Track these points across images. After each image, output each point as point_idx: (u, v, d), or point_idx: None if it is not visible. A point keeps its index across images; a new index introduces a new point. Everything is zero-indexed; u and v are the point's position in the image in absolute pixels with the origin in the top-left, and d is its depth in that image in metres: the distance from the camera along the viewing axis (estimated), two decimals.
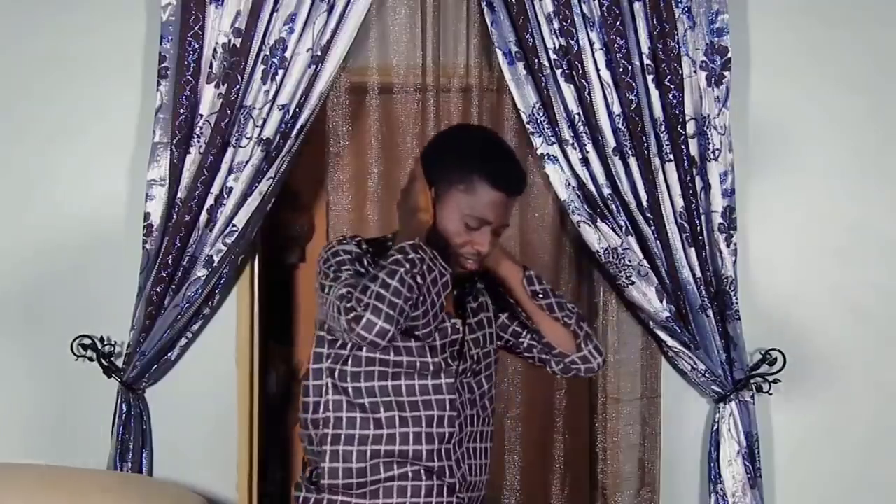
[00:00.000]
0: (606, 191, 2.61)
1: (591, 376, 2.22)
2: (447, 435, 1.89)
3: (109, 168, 2.67)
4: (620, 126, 2.59)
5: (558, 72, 2.58)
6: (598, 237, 2.59)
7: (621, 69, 2.58)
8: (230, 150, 2.55)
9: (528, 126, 2.61)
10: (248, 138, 2.55)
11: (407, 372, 1.88)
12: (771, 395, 2.71)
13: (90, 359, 2.61)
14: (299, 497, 1.94)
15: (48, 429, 2.68)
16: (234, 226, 2.55)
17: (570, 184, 2.61)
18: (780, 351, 2.68)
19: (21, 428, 2.68)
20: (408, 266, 1.77)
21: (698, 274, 2.62)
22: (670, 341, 2.64)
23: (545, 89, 2.59)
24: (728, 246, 2.62)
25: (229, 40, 2.55)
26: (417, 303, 1.80)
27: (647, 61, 2.59)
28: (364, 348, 1.86)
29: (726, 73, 2.62)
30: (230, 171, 2.55)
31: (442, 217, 1.87)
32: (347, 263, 1.87)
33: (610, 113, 2.59)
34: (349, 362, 1.89)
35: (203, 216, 2.55)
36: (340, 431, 1.88)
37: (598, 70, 2.58)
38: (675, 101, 2.60)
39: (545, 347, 2.08)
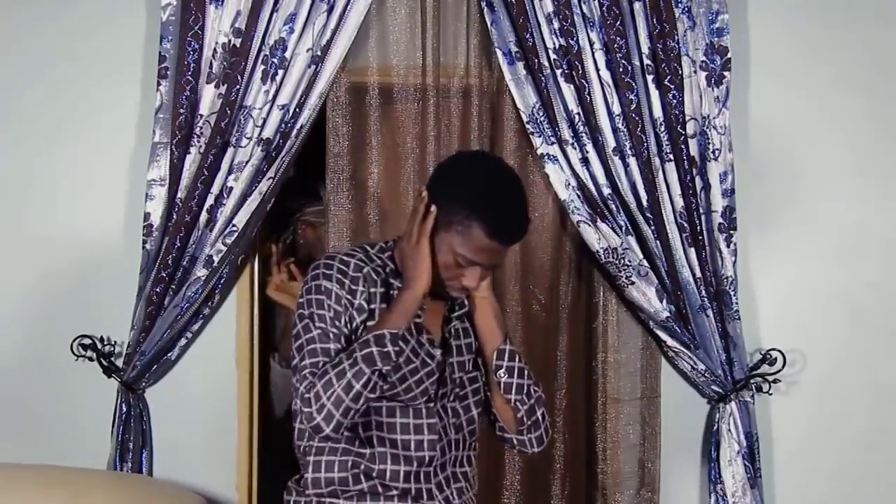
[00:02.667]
0: (606, 191, 2.61)
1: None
2: (427, 458, 1.88)
3: (109, 168, 2.67)
4: (620, 126, 2.59)
5: (558, 72, 2.58)
6: (598, 237, 2.59)
7: (621, 69, 2.58)
8: (230, 150, 2.55)
9: (528, 126, 2.61)
10: (248, 138, 2.55)
11: (388, 396, 1.85)
12: (771, 395, 2.71)
13: (90, 359, 2.61)
14: (289, 501, 1.94)
15: (48, 429, 2.68)
16: (234, 226, 2.55)
17: (570, 184, 2.61)
18: (780, 351, 2.68)
19: (21, 428, 2.68)
20: (380, 365, 1.73)
21: (698, 274, 2.62)
22: (670, 341, 2.64)
23: (545, 89, 2.59)
24: (728, 246, 2.63)
25: (229, 40, 2.55)
26: (392, 378, 1.80)
27: (647, 61, 2.59)
28: None
29: (726, 73, 2.62)
30: (230, 171, 2.55)
31: (436, 246, 1.82)
32: (325, 306, 1.80)
33: (610, 113, 2.59)
34: None
35: (203, 216, 2.55)
36: (325, 444, 1.88)
37: (598, 70, 2.58)
38: (674, 101, 2.60)
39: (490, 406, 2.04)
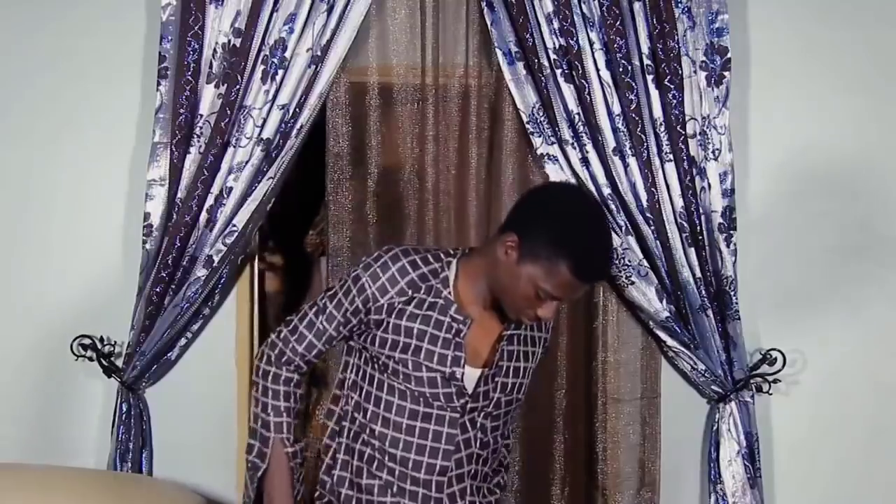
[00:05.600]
0: (606, 191, 2.61)
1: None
2: (438, 467, 1.91)
3: (109, 168, 2.67)
4: (620, 126, 2.59)
5: (558, 72, 2.58)
6: None
7: (621, 69, 2.58)
8: (230, 150, 2.55)
9: (528, 126, 2.61)
10: (248, 138, 2.55)
11: (416, 398, 1.90)
12: (771, 395, 2.71)
13: (90, 359, 2.61)
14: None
15: (48, 429, 2.68)
16: (234, 226, 2.55)
17: None
18: (780, 351, 2.68)
19: (21, 428, 2.68)
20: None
21: (698, 274, 2.62)
22: (670, 341, 2.64)
23: (545, 89, 2.59)
24: (728, 246, 2.62)
25: (229, 40, 2.55)
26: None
27: (647, 61, 2.59)
28: (384, 373, 1.93)
29: (726, 73, 2.62)
30: (230, 171, 2.55)
31: (517, 275, 1.82)
32: (350, 296, 1.90)
33: (610, 113, 2.59)
34: (369, 376, 1.96)
35: (203, 216, 2.55)
36: (358, 416, 1.97)
37: (597, 70, 2.58)
38: (674, 101, 2.60)
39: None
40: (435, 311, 1.89)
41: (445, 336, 1.89)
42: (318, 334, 1.94)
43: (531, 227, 1.82)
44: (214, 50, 2.55)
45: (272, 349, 1.98)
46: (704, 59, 2.62)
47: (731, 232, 2.63)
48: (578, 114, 2.59)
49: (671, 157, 2.60)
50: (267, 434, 1.97)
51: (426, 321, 1.88)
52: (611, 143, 2.59)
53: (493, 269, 1.87)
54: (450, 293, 1.89)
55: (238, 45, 2.55)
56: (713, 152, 2.62)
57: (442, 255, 1.93)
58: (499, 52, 2.61)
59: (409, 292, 1.88)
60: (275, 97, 2.55)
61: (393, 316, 1.88)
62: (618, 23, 2.58)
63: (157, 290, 2.54)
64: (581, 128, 2.59)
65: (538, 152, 2.61)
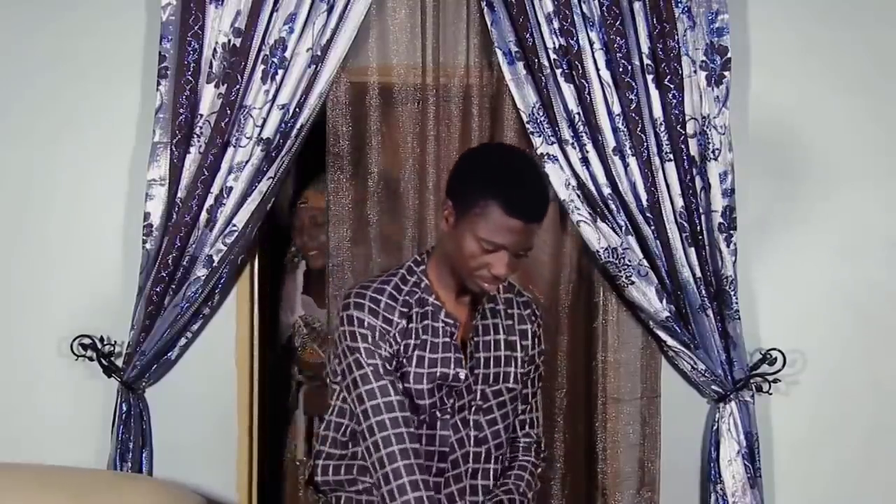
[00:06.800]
0: (606, 191, 2.61)
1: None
2: (435, 469, 1.91)
3: (109, 168, 2.67)
4: (620, 126, 2.59)
5: (558, 72, 2.58)
6: (598, 237, 2.59)
7: (621, 69, 2.58)
8: (230, 150, 2.55)
9: (528, 126, 2.61)
10: (248, 138, 2.55)
11: (406, 404, 1.89)
12: (771, 394, 2.71)
13: (90, 359, 2.61)
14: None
15: (48, 429, 2.68)
16: (234, 226, 2.55)
17: (570, 184, 2.61)
18: (780, 351, 2.68)
19: (21, 428, 2.68)
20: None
21: (698, 274, 2.62)
22: (670, 341, 2.64)
23: (545, 89, 2.59)
24: (728, 246, 2.63)
25: (229, 40, 2.55)
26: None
27: (646, 61, 2.59)
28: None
29: (726, 73, 2.62)
30: (230, 171, 2.55)
31: (459, 236, 1.84)
32: (368, 339, 1.85)
33: (610, 113, 2.59)
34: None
35: (203, 216, 2.55)
36: (335, 451, 1.96)
37: (597, 70, 2.58)
38: (674, 101, 2.60)
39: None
40: (429, 319, 1.91)
41: (444, 341, 1.90)
42: (394, 400, 1.86)
43: (460, 187, 1.86)
44: (214, 50, 2.55)
45: (379, 455, 1.84)
46: (704, 58, 2.62)
47: (731, 232, 2.63)
48: (578, 114, 2.59)
49: (671, 156, 2.60)
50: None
51: (424, 331, 1.90)
52: (611, 142, 2.59)
53: (444, 246, 1.90)
54: (435, 298, 1.91)
55: (238, 45, 2.55)
56: (713, 152, 2.62)
57: (414, 268, 1.95)
58: (499, 52, 2.61)
59: (406, 311, 1.90)
60: (275, 97, 2.55)
61: (401, 338, 1.89)
62: (618, 23, 2.58)
63: (157, 289, 2.54)
64: (581, 128, 2.59)
65: (538, 152, 2.61)
